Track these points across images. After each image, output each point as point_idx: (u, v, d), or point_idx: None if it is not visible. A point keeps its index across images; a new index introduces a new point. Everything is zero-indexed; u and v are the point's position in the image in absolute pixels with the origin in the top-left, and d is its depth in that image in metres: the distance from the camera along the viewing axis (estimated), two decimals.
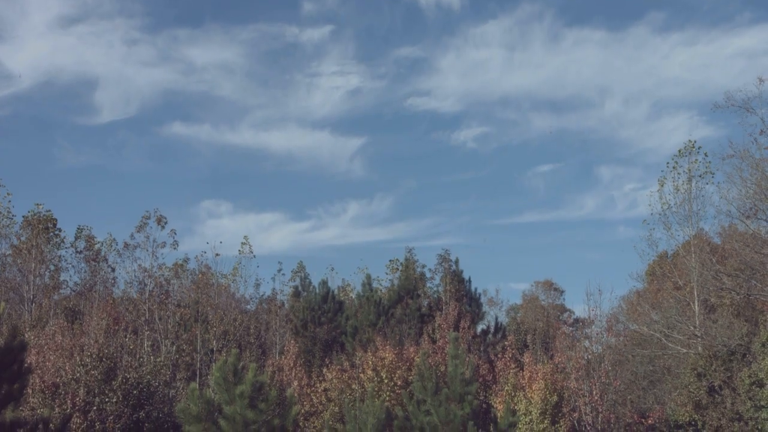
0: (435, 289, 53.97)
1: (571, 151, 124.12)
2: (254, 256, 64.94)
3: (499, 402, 31.37)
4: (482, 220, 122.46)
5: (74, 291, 54.43)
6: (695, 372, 34.60)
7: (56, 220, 53.09)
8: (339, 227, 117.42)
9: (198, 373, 39.15)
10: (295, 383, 36.34)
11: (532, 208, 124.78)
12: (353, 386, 34.01)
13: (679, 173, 44.80)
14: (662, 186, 44.93)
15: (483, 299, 55.88)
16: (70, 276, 55.55)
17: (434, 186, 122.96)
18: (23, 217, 52.31)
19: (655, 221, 45.23)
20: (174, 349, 41.05)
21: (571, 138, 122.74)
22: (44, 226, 51.41)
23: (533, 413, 30.72)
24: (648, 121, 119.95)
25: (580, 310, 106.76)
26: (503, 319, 63.44)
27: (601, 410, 33.45)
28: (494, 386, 35.52)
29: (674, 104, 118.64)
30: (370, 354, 35.95)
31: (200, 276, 53.14)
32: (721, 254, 44.85)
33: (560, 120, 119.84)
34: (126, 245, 50.82)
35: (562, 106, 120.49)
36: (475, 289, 50.90)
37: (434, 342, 39.33)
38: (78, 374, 23.96)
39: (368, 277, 51.10)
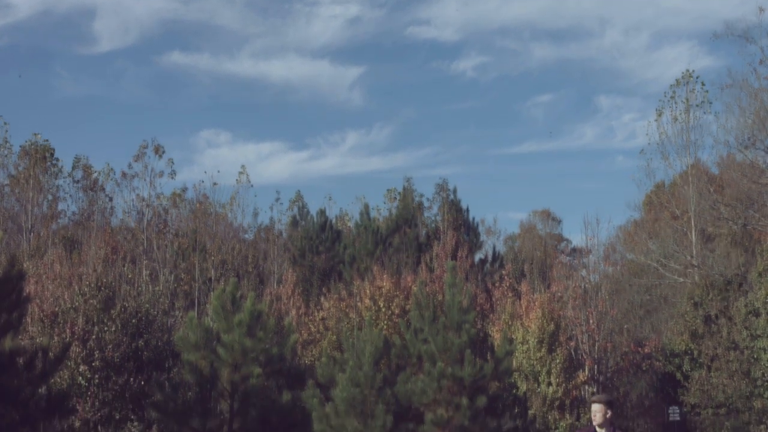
0: (433, 218, 54.06)
1: (570, 81, 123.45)
2: (252, 186, 65.08)
3: (497, 331, 31.52)
4: (481, 150, 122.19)
5: (72, 221, 54.42)
6: (692, 301, 34.75)
7: (54, 149, 52.97)
8: (338, 157, 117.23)
9: (196, 302, 39.28)
10: (293, 312, 36.47)
11: (531, 138, 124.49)
12: (351, 315, 34.14)
13: (677, 103, 44.71)
14: (660, 116, 44.85)
15: (481, 228, 55.97)
16: (68, 206, 55.55)
17: (433, 115, 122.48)
18: (20, 146, 52.19)
19: (653, 151, 45.24)
20: (172, 278, 41.15)
21: (570, 68, 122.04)
22: (42, 156, 51.28)
23: (530, 342, 30.87)
24: (648, 51, 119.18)
25: (577, 240, 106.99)
26: (501, 248, 63.60)
27: (597, 339, 33.63)
28: (492, 315, 35.67)
29: (674, 34, 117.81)
30: (367, 283, 36.04)
31: (198, 205, 53.12)
32: (719, 184, 44.84)
33: (560, 49, 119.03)
34: (124, 175, 50.80)
35: (562, 36, 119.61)
36: (473, 218, 50.98)
37: (432, 271, 39.42)
38: (77, 303, 24.01)
39: (366, 206, 51.10)
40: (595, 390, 32.46)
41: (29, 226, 47.69)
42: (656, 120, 44.90)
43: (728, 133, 41.40)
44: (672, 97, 44.66)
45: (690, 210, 42.68)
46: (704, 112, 44.66)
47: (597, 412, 11.37)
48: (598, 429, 11.39)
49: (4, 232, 46.07)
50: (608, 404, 11.50)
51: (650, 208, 52.42)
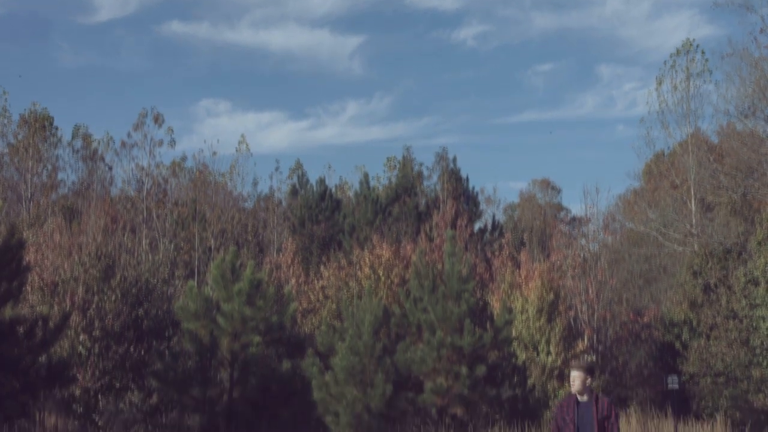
0: (432, 187, 53.99)
1: (571, 50, 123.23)
2: (251, 155, 64.98)
3: (496, 300, 31.55)
4: (481, 120, 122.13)
5: (72, 190, 54.38)
6: (691, 270, 34.76)
7: (53, 118, 52.86)
8: (337, 126, 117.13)
9: (196, 271, 39.32)
10: (293, 281, 36.52)
11: (531, 108, 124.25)
12: (350, 284, 34.16)
13: (677, 72, 44.51)
14: (660, 85, 44.68)
15: (480, 198, 55.99)
16: (68, 175, 55.51)
17: (433, 85, 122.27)
18: (20, 115, 52.10)
19: (653, 120, 45.08)
20: (172, 247, 41.16)
21: (571, 37, 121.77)
22: (41, 125, 51.19)
23: (530, 311, 30.91)
24: (649, 20, 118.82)
25: (577, 209, 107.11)
26: (500, 217, 63.70)
27: (596, 308, 33.67)
28: (491, 284, 35.69)
29: (675, 3, 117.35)
30: (367, 252, 36.05)
31: (198, 174, 53.05)
32: (719, 153, 44.75)
33: (561, 18, 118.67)
34: (123, 144, 50.72)
35: (563, 4, 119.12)
36: (473, 187, 51.00)
37: (431, 240, 39.42)
38: (77, 272, 24.03)
39: (366, 175, 51.10)
40: (593, 359, 32.53)
41: (29, 196, 47.69)
42: (656, 89, 44.75)
43: (728, 102, 41.28)
44: (672, 66, 44.50)
45: (690, 179, 42.61)
46: (704, 81, 44.48)
47: (575, 379, 10.93)
48: (579, 397, 10.91)
49: (3, 201, 46.06)
50: (588, 371, 11.05)
51: (650, 177, 52.35)
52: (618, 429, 10.78)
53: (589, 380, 10.95)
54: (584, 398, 10.87)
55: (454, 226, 39.89)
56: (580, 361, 11.25)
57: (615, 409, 10.93)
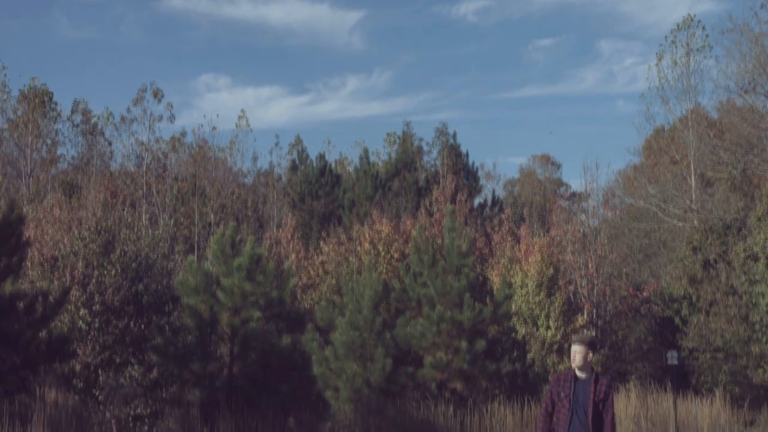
0: (432, 162, 54.04)
1: (571, 25, 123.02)
2: (251, 130, 64.84)
3: (496, 275, 31.57)
4: (481, 95, 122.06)
5: (71, 165, 54.39)
6: (690, 246, 34.77)
7: (52, 93, 52.79)
8: (337, 101, 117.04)
9: (196, 246, 39.35)
10: (293, 256, 36.54)
11: (532, 83, 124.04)
12: (350, 259, 34.19)
13: (677, 47, 44.45)
14: (660, 60, 44.63)
15: (480, 173, 55.96)
16: (67, 150, 55.56)
17: (433, 60, 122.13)
18: (19, 90, 52.03)
19: (653, 96, 45.07)
20: (172, 222, 41.16)
21: (572, 12, 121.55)
22: (40, 100, 51.14)
23: (529, 286, 30.94)
24: None
25: (577, 184, 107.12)
26: (500, 192, 63.71)
27: (596, 283, 33.71)
28: (491, 259, 35.71)
29: None
30: (367, 227, 36.06)
31: (197, 150, 53.06)
32: (719, 129, 44.74)
33: None
34: (123, 119, 50.69)
35: None
36: (473, 162, 51.00)
37: (431, 215, 39.44)
38: (76, 247, 24.02)
39: (365, 150, 51.05)
40: (593, 333, 32.58)
41: (28, 171, 47.68)
42: (656, 64, 44.70)
43: (728, 77, 41.28)
44: (672, 42, 44.42)
45: (689, 154, 42.60)
46: (704, 57, 44.44)
47: (577, 353, 10.30)
48: (578, 372, 10.29)
49: (3, 176, 46.02)
50: (590, 345, 10.43)
51: (650, 153, 52.34)
52: (613, 414, 10.20)
53: (590, 355, 10.37)
54: (583, 375, 10.26)
55: (453, 201, 39.91)
56: (582, 335, 10.67)
57: (612, 393, 10.32)
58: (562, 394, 10.19)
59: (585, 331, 30.24)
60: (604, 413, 10.09)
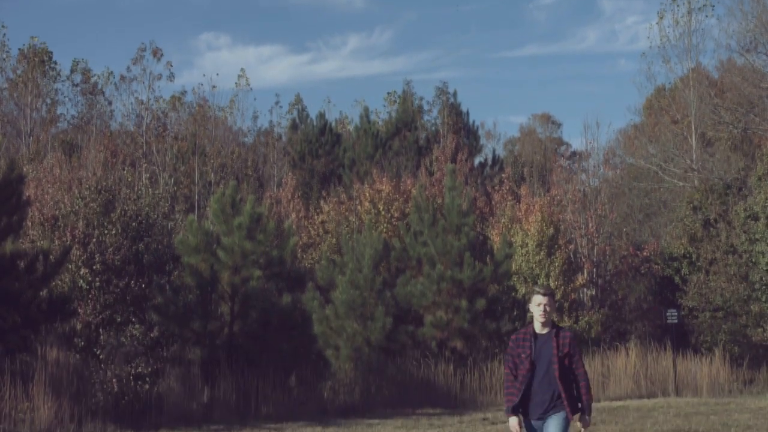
0: (433, 122, 53.95)
1: None
2: (251, 89, 64.78)
3: (496, 234, 31.59)
4: (482, 54, 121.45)
5: (71, 124, 54.25)
6: (691, 205, 34.77)
7: (52, 53, 52.56)
8: (338, 60, 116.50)
9: (196, 205, 39.33)
10: (293, 215, 36.53)
11: (533, 42, 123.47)
12: (350, 218, 34.19)
13: (678, 6, 44.21)
14: (661, 19, 44.39)
15: (481, 132, 55.86)
16: (67, 110, 55.34)
17: (434, 18, 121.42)
18: (19, 50, 51.80)
19: (654, 55, 44.88)
20: (172, 181, 41.13)
21: None
22: (40, 60, 50.92)
23: (529, 245, 30.95)
24: None
25: (577, 144, 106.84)
26: (501, 152, 63.54)
27: (596, 242, 33.72)
28: (491, 219, 35.71)
29: None
30: (367, 186, 36.04)
31: (197, 109, 52.88)
32: (720, 88, 44.61)
33: None
34: (122, 78, 50.49)
35: None
36: (473, 122, 50.87)
37: (431, 174, 39.41)
38: (77, 207, 23.99)
39: (366, 109, 50.89)
40: (594, 293, 32.65)
41: (28, 131, 47.54)
42: (658, 23, 44.45)
43: (730, 36, 41.12)
44: (674, 0, 44.21)
45: (690, 114, 42.50)
46: (706, 16, 44.35)
47: (546, 305, 9.45)
48: (540, 329, 9.46)
49: (3, 136, 45.93)
50: (553, 296, 9.69)
51: (651, 112, 52.21)
52: (583, 367, 9.39)
53: (554, 307, 9.61)
54: (544, 331, 9.41)
55: (454, 160, 39.86)
56: (545, 286, 10.41)
57: (578, 345, 9.47)
58: (522, 354, 9.32)
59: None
60: (574, 368, 9.28)
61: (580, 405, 9.28)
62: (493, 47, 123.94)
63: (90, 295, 22.47)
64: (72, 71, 55.21)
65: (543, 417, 9.15)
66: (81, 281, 22.51)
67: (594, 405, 25.03)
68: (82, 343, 22.27)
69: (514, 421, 9.18)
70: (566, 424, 9.14)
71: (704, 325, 31.61)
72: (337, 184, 43.67)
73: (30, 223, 23.99)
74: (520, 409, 9.23)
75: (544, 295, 9.47)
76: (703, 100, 41.92)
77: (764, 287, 30.30)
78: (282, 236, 25.56)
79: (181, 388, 23.10)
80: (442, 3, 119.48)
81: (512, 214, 33.47)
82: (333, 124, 54.74)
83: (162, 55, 49.20)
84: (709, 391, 27.76)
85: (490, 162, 50.42)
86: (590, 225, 33.74)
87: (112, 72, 54.90)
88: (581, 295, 32.16)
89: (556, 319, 9.95)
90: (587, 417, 9.31)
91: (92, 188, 24.46)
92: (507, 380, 9.44)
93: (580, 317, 30.45)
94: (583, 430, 9.35)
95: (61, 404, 19.04)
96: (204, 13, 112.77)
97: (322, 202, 37.99)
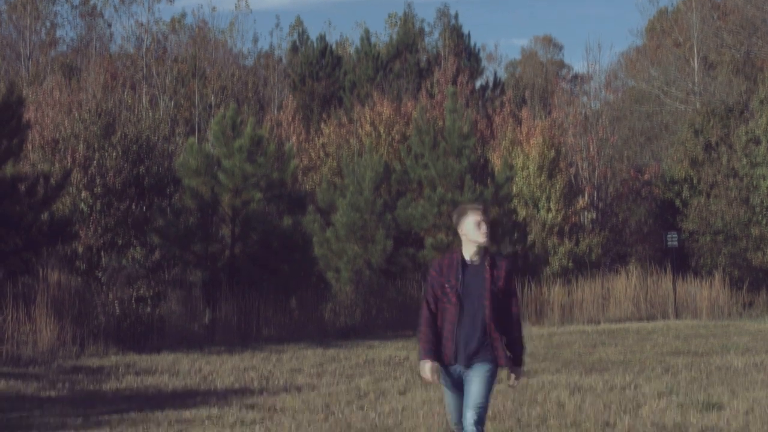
0: (434, 44, 53.62)
1: None
2: (251, 12, 64.30)
3: (497, 157, 31.53)
4: None
5: (70, 47, 53.97)
6: (692, 128, 34.67)
7: None
8: None
9: (196, 128, 39.26)
10: (294, 138, 36.45)
11: None
12: (351, 141, 34.14)
13: None
14: None
15: (482, 55, 55.56)
16: (66, 32, 55.13)
17: None
18: None
19: None
20: (172, 104, 41.01)
21: None
22: None
23: (530, 168, 30.91)
24: None
25: (579, 66, 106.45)
26: (502, 74, 63.22)
27: (597, 165, 33.69)
28: (492, 141, 35.63)
29: None
30: (367, 109, 35.92)
31: (197, 31, 52.55)
32: (723, 11, 44.31)
33: None
34: (122, 0, 50.15)
35: None
36: (474, 44, 50.63)
37: (432, 97, 39.27)
38: (77, 130, 23.92)
39: (366, 31, 50.56)
40: (594, 216, 32.67)
41: (27, 54, 47.30)
42: None
43: None
44: None
45: (693, 37, 42.27)
46: None
47: (483, 224, 7.55)
48: (472, 256, 7.54)
49: (2, 59, 45.70)
50: (489, 214, 8.01)
51: (653, 35, 51.89)
52: (518, 305, 7.65)
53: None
54: (475, 258, 7.52)
55: (455, 82, 39.69)
56: (480, 203, 8.58)
57: (514, 277, 7.67)
58: (446, 286, 7.43)
59: (540, 205, 30.34)
60: (508, 305, 7.50)
61: (510, 355, 7.50)
62: None
63: (91, 218, 22.51)
64: None
65: (468, 365, 7.34)
66: (82, 204, 22.53)
67: (594, 327, 25.19)
68: (84, 266, 22.36)
69: (427, 367, 7.33)
70: (492, 375, 7.39)
71: (704, 249, 31.69)
72: (338, 107, 43.52)
73: (30, 147, 23.97)
74: (442, 353, 7.42)
75: (481, 211, 7.63)
76: (706, 23, 41.68)
77: (765, 211, 30.35)
78: (282, 159, 25.53)
79: (183, 310, 23.24)
80: None
81: (513, 136, 33.39)
82: (333, 46, 54.46)
83: None
84: (709, 314, 27.91)
85: (491, 85, 50.21)
86: (591, 148, 33.69)
87: None
88: (582, 218, 32.20)
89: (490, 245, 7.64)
90: (520, 368, 7.64)
91: (92, 111, 24.39)
92: (423, 317, 7.48)
93: (581, 240, 30.50)
94: (515, 382, 7.71)
95: (63, 327, 19.16)
96: None
97: (322, 124, 37.89)
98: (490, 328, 7.32)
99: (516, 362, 7.57)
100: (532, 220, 30.16)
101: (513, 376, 7.65)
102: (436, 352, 7.38)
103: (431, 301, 7.47)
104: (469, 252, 7.53)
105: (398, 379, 14.97)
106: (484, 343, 7.30)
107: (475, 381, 7.29)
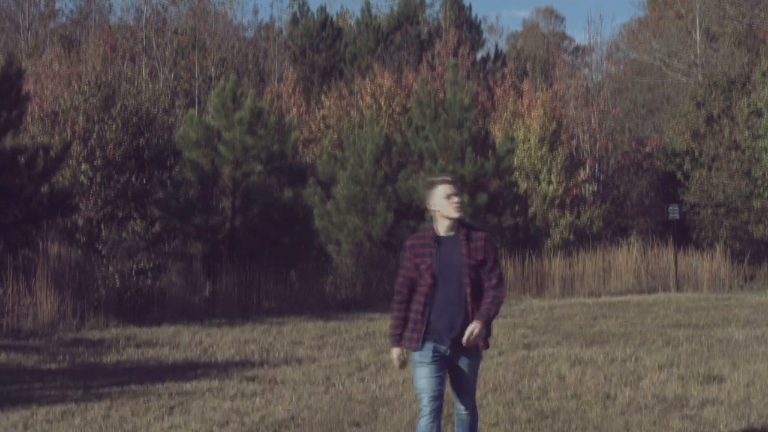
0: (435, 16, 53.42)
1: None
2: None
3: (498, 129, 31.47)
4: None
5: (70, 19, 53.82)
6: (694, 101, 34.57)
7: None
8: None
9: (196, 100, 39.17)
10: (294, 110, 36.37)
11: None
12: (352, 113, 34.07)
13: None
14: None
15: (483, 26, 55.40)
16: (66, 4, 54.88)
17: None
18: None
19: None
20: (172, 76, 40.91)
21: None
22: None
23: (531, 140, 30.86)
24: None
25: (580, 38, 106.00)
26: (503, 46, 63.04)
27: (599, 138, 33.64)
28: (493, 113, 35.56)
29: None
30: (368, 81, 35.84)
31: (197, 2, 52.36)
32: None
33: None
34: None
35: None
36: (476, 15, 50.56)
37: (433, 69, 39.16)
38: (77, 102, 23.85)
39: (367, 3, 50.36)
40: (595, 189, 32.63)
41: (27, 25, 47.15)
42: None
43: None
44: None
45: (695, 9, 42.09)
46: None
47: (455, 195, 6.93)
48: (446, 230, 6.95)
49: (1, 31, 45.56)
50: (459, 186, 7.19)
51: (655, 7, 51.67)
52: (499, 277, 7.00)
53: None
54: (450, 233, 6.94)
55: (456, 54, 39.57)
56: (449, 175, 7.63)
57: (495, 249, 7.17)
58: (422, 266, 6.87)
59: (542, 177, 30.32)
60: (487, 279, 6.94)
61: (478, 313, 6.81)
62: None
63: (91, 191, 22.47)
64: None
65: (455, 349, 6.82)
66: (82, 177, 22.48)
67: (595, 300, 25.13)
68: (84, 238, 22.33)
69: (395, 354, 7.01)
70: (480, 360, 7.10)
71: (706, 221, 31.66)
72: (338, 79, 43.41)
73: (30, 119, 23.91)
74: (425, 334, 6.85)
75: (453, 183, 7.02)
76: None
77: (766, 183, 30.29)
78: (283, 131, 25.45)
79: (183, 282, 23.23)
80: None
81: (514, 109, 33.32)
82: (334, 18, 54.27)
83: None
84: (710, 287, 27.89)
85: (492, 57, 50.08)
86: (593, 120, 33.63)
87: None
88: (583, 190, 32.16)
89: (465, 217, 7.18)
90: (482, 328, 6.76)
91: (92, 83, 24.31)
92: (395, 300, 7.04)
93: (582, 213, 30.47)
94: (476, 329, 6.69)
95: (63, 299, 19.13)
96: None
97: (323, 96, 37.81)
98: (472, 312, 6.78)
99: (484, 319, 6.77)
100: (533, 192, 30.13)
101: (474, 324, 6.74)
102: (400, 338, 6.98)
103: (403, 282, 6.98)
104: (442, 228, 6.96)
105: None
106: (468, 324, 6.72)
107: (468, 370, 6.97)
